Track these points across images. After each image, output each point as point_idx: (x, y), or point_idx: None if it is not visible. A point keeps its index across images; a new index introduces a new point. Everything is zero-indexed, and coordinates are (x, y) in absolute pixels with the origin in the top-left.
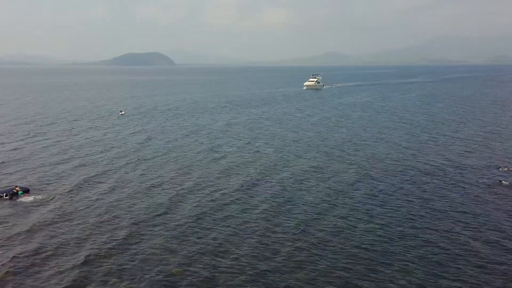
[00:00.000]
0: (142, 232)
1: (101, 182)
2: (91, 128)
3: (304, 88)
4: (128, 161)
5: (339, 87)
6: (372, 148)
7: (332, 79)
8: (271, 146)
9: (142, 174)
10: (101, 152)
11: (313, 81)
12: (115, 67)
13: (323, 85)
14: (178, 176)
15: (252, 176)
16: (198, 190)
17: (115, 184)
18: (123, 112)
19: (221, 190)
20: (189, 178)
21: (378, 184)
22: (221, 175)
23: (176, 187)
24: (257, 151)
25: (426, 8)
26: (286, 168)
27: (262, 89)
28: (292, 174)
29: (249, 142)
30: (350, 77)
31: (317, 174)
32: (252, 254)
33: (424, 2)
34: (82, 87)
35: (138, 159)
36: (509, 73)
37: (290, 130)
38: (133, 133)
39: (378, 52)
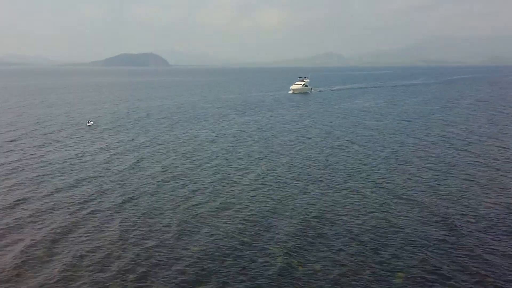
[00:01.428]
0: None
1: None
2: (46, 145)
3: (290, 92)
4: (68, 205)
5: (335, 90)
6: (405, 176)
7: (328, 81)
8: (276, 174)
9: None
10: (40, 184)
11: (300, 84)
12: (108, 68)
13: (312, 89)
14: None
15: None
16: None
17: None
18: (91, 123)
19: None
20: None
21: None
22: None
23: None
24: (257, 185)
25: (424, 8)
26: (298, 211)
27: (259, 91)
28: (308, 219)
29: (246, 170)
30: (347, 79)
31: (343, 216)
32: None
33: (422, 2)
34: (70, 90)
35: (86, 200)
36: (511, 74)
37: (294, 150)
38: (91, 153)
39: (375, 52)
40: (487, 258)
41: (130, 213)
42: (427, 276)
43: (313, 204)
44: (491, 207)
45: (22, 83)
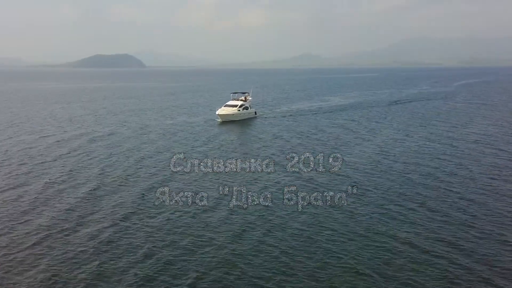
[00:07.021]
0: None
1: None
2: None
3: (218, 120)
4: None
5: (302, 113)
6: None
7: (294, 92)
8: None
9: None
10: None
11: (235, 106)
12: (78, 70)
13: (255, 112)
14: None
15: None
16: None
17: None
18: None
19: None
20: None
21: None
22: None
23: None
24: None
25: (405, 10)
26: None
27: (191, 115)
28: None
29: None
30: (323, 88)
31: None
32: None
33: (402, 4)
34: (13, 100)
35: None
36: None
37: None
38: None
39: (353, 53)
40: None
41: None
42: None
43: None
44: None
45: None
